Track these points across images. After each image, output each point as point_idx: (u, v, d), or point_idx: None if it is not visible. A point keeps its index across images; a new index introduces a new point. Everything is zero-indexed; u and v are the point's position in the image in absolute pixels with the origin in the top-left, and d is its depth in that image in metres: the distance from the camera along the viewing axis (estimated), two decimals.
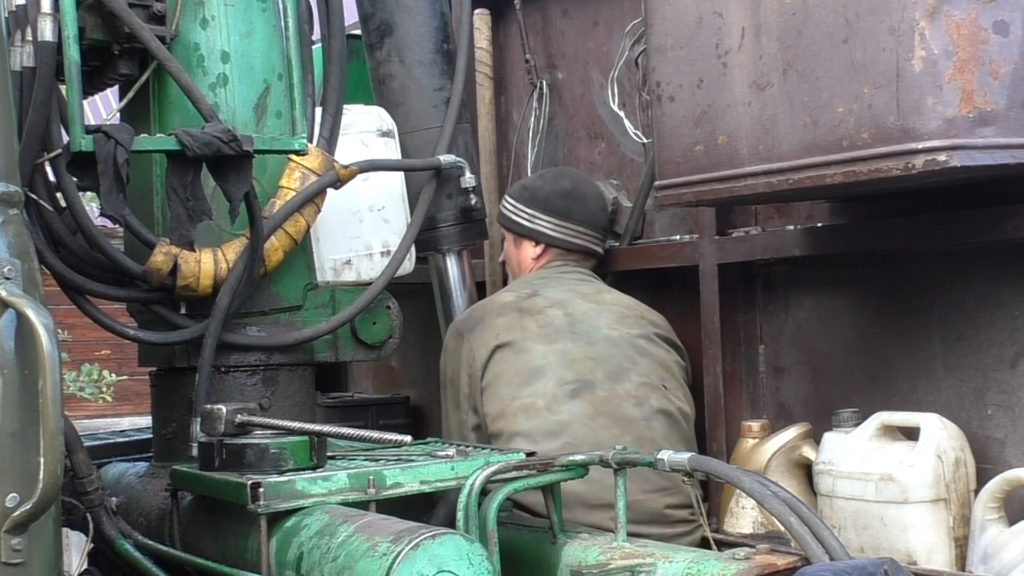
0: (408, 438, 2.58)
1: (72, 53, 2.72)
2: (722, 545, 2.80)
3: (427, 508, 2.90)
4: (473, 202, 3.51)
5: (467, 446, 2.91)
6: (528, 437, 3.09)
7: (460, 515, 2.46)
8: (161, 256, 2.88)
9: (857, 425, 2.89)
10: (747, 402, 3.39)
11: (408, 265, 3.36)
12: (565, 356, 3.20)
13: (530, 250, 3.55)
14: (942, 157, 2.30)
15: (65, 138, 2.77)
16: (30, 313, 2.12)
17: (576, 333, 3.24)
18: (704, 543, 2.95)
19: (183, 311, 3.00)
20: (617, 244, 3.67)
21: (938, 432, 2.74)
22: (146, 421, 3.50)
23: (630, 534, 2.56)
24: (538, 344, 3.21)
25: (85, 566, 2.81)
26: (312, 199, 3.05)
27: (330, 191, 3.10)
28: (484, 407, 3.21)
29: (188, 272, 2.90)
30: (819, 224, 3.14)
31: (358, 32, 3.72)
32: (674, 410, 3.22)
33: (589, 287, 3.42)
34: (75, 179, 2.80)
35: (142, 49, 2.91)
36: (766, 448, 3.12)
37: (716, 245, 3.36)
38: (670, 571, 2.38)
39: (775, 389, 3.35)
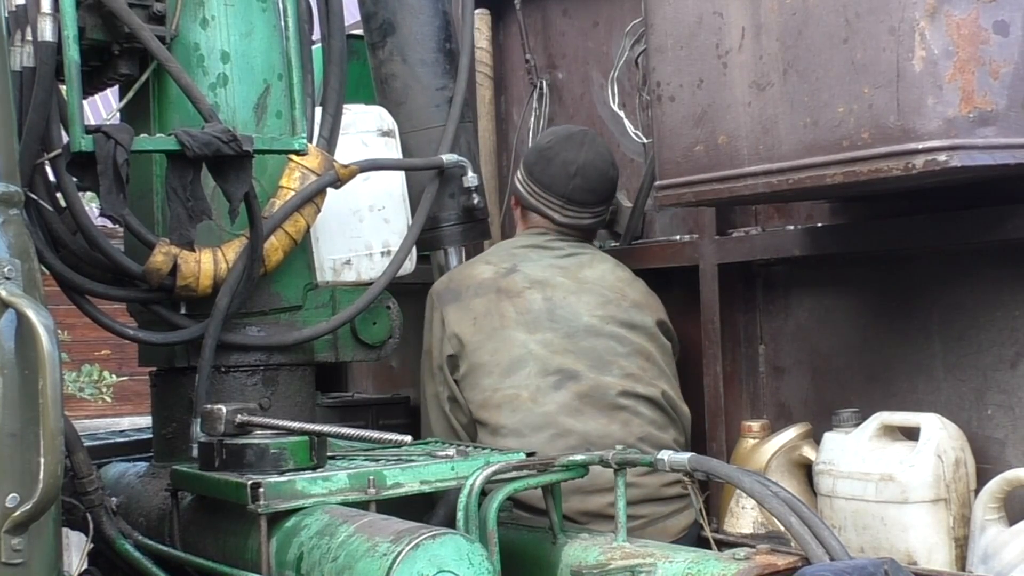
0: (408, 438, 2.58)
1: (72, 53, 2.72)
2: (722, 545, 2.80)
3: (427, 508, 2.90)
4: (475, 201, 3.50)
5: (467, 446, 2.92)
6: (515, 431, 3.09)
7: (460, 515, 2.46)
8: (161, 256, 2.88)
9: (857, 425, 2.89)
10: (747, 402, 3.39)
11: (409, 265, 3.36)
12: (546, 346, 3.19)
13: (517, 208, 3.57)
14: (942, 157, 2.30)
15: (65, 138, 2.77)
16: (30, 313, 2.12)
17: (555, 321, 3.21)
18: (704, 542, 2.95)
19: (183, 311, 3.00)
20: (617, 244, 3.67)
21: (938, 432, 2.74)
22: (146, 421, 3.49)
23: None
24: (518, 332, 3.20)
25: (85, 566, 2.80)
26: (312, 199, 3.04)
27: (330, 191, 3.10)
28: (466, 393, 3.22)
29: (188, 272, 2.90)
30: (819, 224, 3.14)
31: (359, 32, 3.73)
32: (658, 395, 3.21)
33: (572, 260, 3.34)
34: (75, 179, 2.79)
35: (142, 49, 2.91)
36: (766, 448, 3.13)
37: (716, 245, 3.36)
38: (670, 571, 2.38)
39: (775, 389, 3.35)
